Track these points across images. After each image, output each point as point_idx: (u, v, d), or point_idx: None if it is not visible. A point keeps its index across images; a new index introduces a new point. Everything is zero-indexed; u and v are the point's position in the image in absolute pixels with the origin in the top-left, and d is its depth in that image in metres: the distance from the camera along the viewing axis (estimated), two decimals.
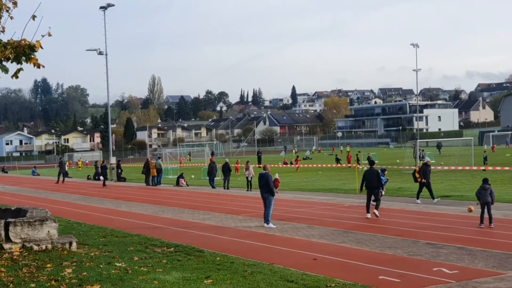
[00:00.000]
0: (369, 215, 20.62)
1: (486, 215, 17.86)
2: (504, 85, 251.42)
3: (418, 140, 57.00)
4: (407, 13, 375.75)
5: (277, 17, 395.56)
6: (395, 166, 48.70)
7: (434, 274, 11.74)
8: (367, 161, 54.03)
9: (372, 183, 20.97)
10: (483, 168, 40.34)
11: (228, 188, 35.39)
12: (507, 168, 38.50)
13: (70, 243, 14.79)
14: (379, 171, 22.09)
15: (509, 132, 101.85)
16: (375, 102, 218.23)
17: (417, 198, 25.19)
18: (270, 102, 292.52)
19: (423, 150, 56.36)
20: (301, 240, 16.40)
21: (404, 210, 22.57)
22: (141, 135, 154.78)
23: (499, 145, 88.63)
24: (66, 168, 52.46)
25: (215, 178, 37.67)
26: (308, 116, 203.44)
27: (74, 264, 12.88)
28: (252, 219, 21.24)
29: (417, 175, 25.07)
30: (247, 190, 34.06)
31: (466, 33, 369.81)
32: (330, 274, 11.85)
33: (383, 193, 22.49)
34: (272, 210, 19.52)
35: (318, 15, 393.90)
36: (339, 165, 53.60)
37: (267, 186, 19.34)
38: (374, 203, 20.85)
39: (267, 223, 19.21)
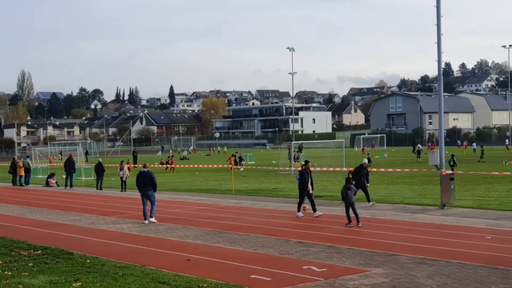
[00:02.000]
0: (300, 214, 20.98)
1: (353, 214, 18.58)
2: (375, 89, 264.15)
3: (293, 142, 58.44)
4: (283, 17, 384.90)
5: (155, 15, 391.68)
6: (271, 167, 49.64)
7: (303, 272, 12.03)
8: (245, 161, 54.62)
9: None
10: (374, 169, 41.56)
11: (101, 189, 34.45)
12: (374, 169, 40.34)
13: None
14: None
15: (378, 135, 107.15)
16: (253, 104, 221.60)
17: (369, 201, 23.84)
18: (147, 101, 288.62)
19: (297, 151, 57.85)
20: (175, 241, 16.26)
21: (279, 210, 23.01)
22: (9, 133, 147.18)
23: (367, 147, 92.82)
24: None
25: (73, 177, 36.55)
26: (186, 116, 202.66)
27: None
28: (125, 221, 20.79)
29: (350, 176, 23.80)
30: (122, 191, 33.32)
31: (337, 39, 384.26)
32: (202, 275, 11.81)
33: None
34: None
35: (196, 16, 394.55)
36: (168, 167, 53.42)
37: (151, 183, 19.90)
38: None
39: (152, 217, 20.00)
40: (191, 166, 52.43)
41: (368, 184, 24.12)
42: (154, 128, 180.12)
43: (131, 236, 17.38)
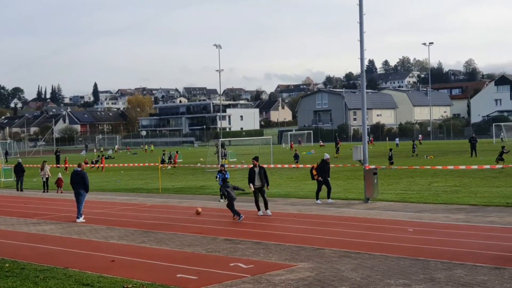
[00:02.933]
0: (260, 213, 20.09)
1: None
2: (301, 86, 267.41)
3: (221, 139, 58.39)
4: (208, 14, 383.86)
5: (78, 11, 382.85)
6: (199, 164, 49.42)
7: (230, 270, 11.98)
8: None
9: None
10: (294, 165, 41.92)
11: (21, 190, 33.33)
12: (301, 166, 40.80)
13: None
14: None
15: (305, 131, 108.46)
16: (180, 101, 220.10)
17: (317, 199, 23.08)
18: (71, 99, 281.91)
19: (225, 149, 57.76)
20: (100, 242, 15.89)
21: (206, 208, 22.86)
22: None
23: (295, 143, 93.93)
24: None
25: None
26: (111, 114, 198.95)
27: None
28: (47, 222, 20.17)
29: (314, 172, 22.95)
30: (43, 192, 32.36)
31: (263, 37, 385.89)
32: (127, 275, 11.58)
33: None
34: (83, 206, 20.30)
35: (120, 12, 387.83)
36: (97, 165, 52.76)
37: (82, 183, 19.98)
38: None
39: (79, 218, 20.00)
40: (116, 165, 51.52)
41: (329, 178, 23.42)
42: (78, 127, 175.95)
43: (53, 238, 16.87)
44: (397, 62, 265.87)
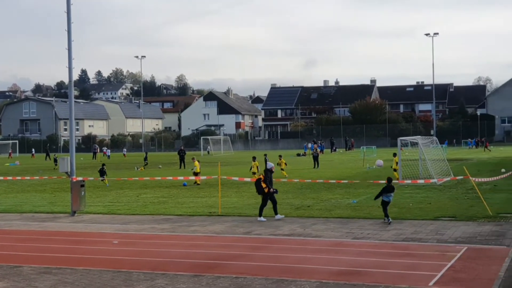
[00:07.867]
0: None
1: None
2: (7, 93, 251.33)
3: None
4: None
5: None
6: None
7: None
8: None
9: None
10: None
11: None
12: (1, 178, 38.08)
13: None
14: None
15: (10, 141, 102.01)
16: None
17: (260, 215, 19.59)
18: None
19: None
20: None
21: None
22: None
23: (4, 154, 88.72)
24: None
25: None
26: None
27: None
28: None
29: (263, 185, 19.52)
30: None
31: None
32: None
33: None
34: None
35: None
36: None
37: None
38: None
39: None
40: None
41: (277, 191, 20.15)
42: None
43: None
44: (111, 74, 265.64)
